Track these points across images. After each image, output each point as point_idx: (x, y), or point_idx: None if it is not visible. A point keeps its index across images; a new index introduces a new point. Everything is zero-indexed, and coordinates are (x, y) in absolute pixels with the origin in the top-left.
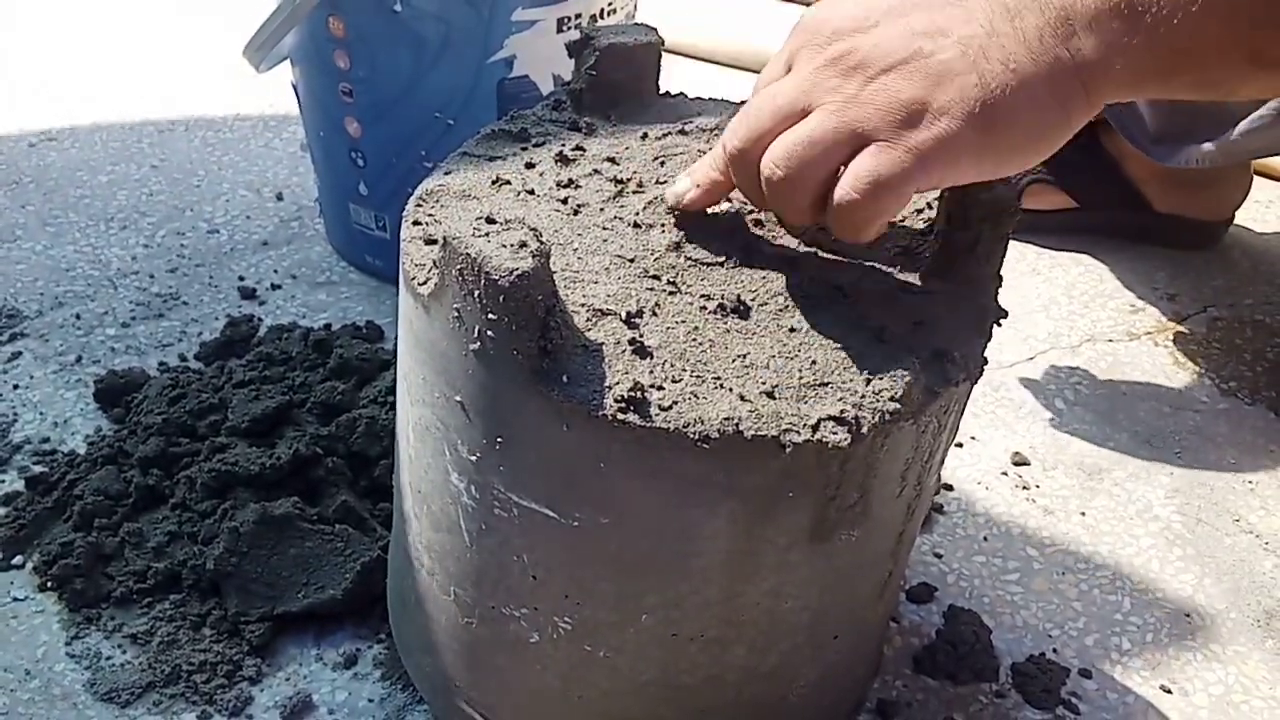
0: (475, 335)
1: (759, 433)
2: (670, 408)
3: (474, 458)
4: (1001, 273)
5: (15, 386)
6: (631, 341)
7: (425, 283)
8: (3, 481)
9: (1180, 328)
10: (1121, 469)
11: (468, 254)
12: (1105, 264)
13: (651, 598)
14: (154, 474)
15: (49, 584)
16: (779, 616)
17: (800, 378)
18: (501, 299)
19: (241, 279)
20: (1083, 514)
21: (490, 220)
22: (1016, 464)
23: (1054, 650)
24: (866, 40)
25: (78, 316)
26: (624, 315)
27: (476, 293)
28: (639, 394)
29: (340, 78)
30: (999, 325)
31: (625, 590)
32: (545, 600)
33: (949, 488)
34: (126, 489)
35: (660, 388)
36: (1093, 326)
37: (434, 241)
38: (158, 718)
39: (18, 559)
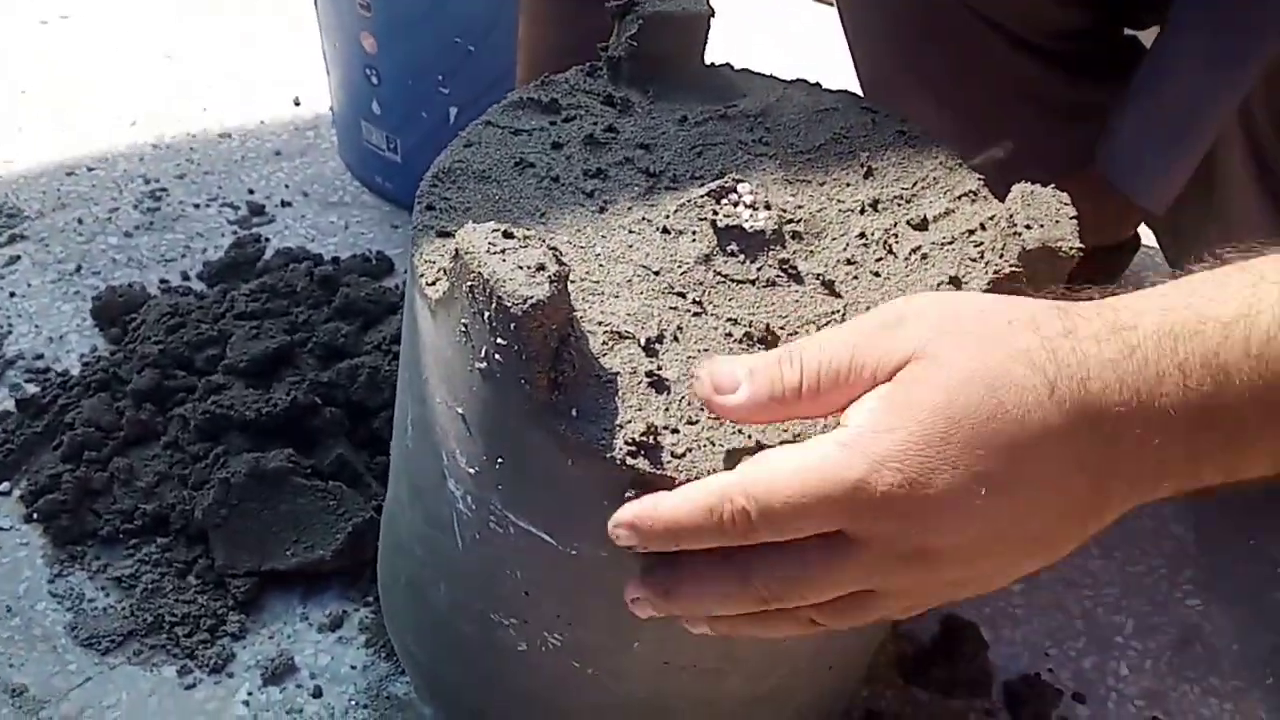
0: (482, 355)
1: None
2: (684, 455)
3: (472, 470)
4: None
5: (12, 294)
6: (649, 374)
7: (434, 283)
8: None
9: None
10: None
11: (480, 273)
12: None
13: (646, 629)
14: (147, 408)
15: (34, 515)
16: (777, 651)
17: (825, 424)
18: (513, 326)
19: (251, 192)
20: None
21: (508, 235)
22: None
23: (1049, 670)
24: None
25: (79, 221)
26: (643, 341)
27: (487, 314)
28: (651, 438)
29: None
30: None
31: (619, 619)
32: (536, 615)
33: None
34: (118, 421)
35: (675, 430)
36: None
37: (447, 234)
38: (137, 668)
39: (4, 485)
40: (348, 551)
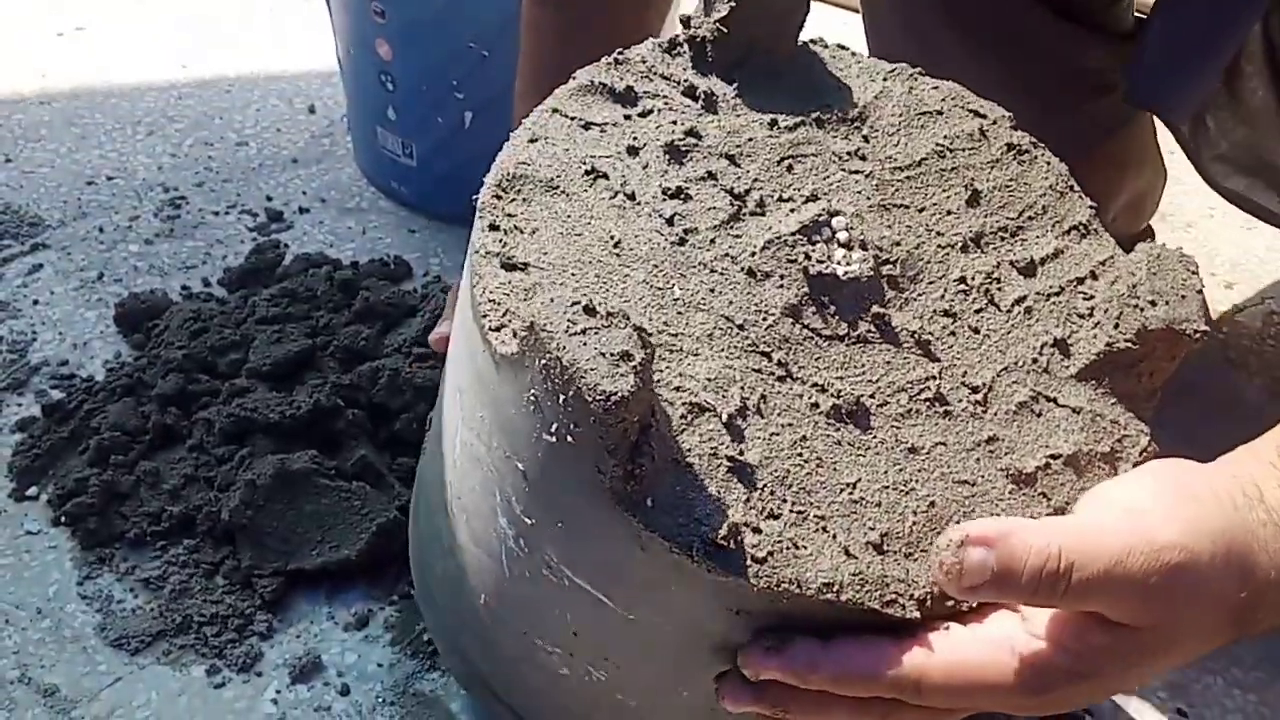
0: (553, 431)
1: (857, 601)
2: (765, 560)
3: (528, 520)
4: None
5: (35, 302)
6: (730, 460)
7: (499, 330)
8: (19, 406)
9: (1237, 318)
10: None
11: (559, 358)
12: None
13: (696, 683)
14: (172, 412)
15: (63, 519)
16: None
17: (913, 522)
18: (592, 421)
19: (269, 199)
20: None
21: (589, 310)
22: None
23: None
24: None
25: (100, 230)
26: (725, 417)
27: (563, 399)
28: (731, 541)
29: None
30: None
31: (669, 674)
32: (582, 651)
33: None
34: (144, 425)
35: (757, 529)
36: None
37: (514, 268)
38: (166, 668)
39: (32, 490)
40: (372, 551)
